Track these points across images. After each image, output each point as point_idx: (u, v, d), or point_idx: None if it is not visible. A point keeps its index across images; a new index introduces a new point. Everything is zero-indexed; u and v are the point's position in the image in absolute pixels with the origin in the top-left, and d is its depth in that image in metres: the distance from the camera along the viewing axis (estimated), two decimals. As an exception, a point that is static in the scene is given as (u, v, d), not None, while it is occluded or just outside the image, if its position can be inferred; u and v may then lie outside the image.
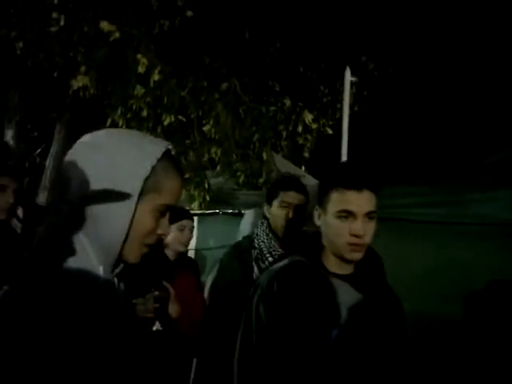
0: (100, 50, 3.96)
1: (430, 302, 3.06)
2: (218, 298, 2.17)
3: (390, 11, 5.95)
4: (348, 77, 4.59)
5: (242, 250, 2.17)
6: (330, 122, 6.06)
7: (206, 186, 5.19)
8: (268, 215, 2.14)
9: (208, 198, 5.15)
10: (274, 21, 5.48)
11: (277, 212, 2.08)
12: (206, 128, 5.07)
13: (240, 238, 2.53)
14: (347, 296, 1.30)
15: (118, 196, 0.93)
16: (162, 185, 0.97)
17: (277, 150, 6.12)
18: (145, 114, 4.19)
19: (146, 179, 0.94)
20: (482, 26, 5.69)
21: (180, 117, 4.61)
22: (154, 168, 0.95)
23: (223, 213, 5.60)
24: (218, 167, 5.67)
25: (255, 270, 2.06)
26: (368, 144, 5.81)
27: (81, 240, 0.93)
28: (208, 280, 2.66)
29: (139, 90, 4.02)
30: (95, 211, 0.93)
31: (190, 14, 4.26)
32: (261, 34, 5.56)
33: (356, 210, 1.27)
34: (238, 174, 5.51)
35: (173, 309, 2.08)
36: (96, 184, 0.93)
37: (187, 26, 4.52)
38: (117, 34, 3.76)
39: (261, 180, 5.52)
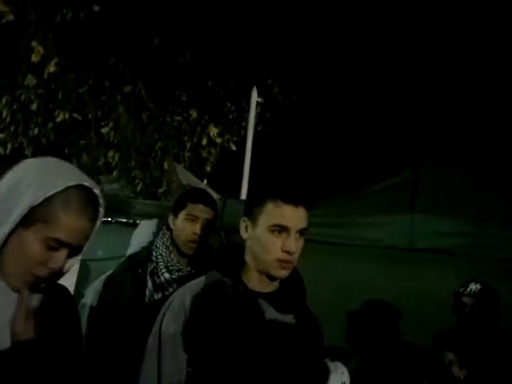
0: (-12, 31, 3.56)
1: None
2: (102, 312, 1.99)
3: (299, 44, 6.27)
4: (255, 96, 4.73)
5: (138, 262, 2.02)
6: (235, 138, 6.13)
7: (99, 191, 4.87)
8: (172, 226, 2.00)
9: (100, 205, 4.85)
10: (185, 31, 5.43)
11: (182, 224, 1.94)
12: (104, 130, 4.80)
13: (131, 251, 2.37)
14: (266, 316, 1.23)
15: (2, 213, 0.95)
16: (55, 218, 0.96)
17: (179, 160, 6.01)
18: (34, 107, 3.82)
19: (35, 207, 0.95)
20: (386, 60, 6.24)
21: (75, 115, 4.30)
22: (48, 199, 0.95)
23: (115, 222, 5.31)
24: (115, 173, 5.39)
25: (149, 284, 1.90)
26: (269, 163, 5.98)
27: None
28: (89, 291, 2.43)
29: (30, 79, 3.65)
30: None
31: (96, 8, 4.02)
32: (171, 41, 5.47)
33: (291, 226, 1.22)
34: (136, 181, 5.29)
35: None
36: None
37: (93, 21, 4.27)
38: (10, 17, 3.40)
39: (160, 190, 5.36)
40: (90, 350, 1.87)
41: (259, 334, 1.21)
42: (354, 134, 6.58)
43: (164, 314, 1.26)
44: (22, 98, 3.81)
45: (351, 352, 2.83)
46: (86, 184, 0.99)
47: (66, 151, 5.31)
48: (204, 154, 5.61)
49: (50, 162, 1.05)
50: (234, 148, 5.83)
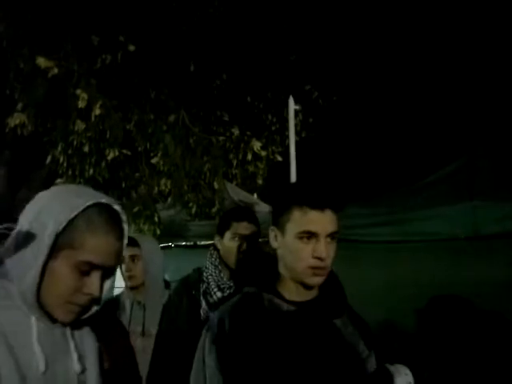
0: (38, 87, 3.85)
1: (383, 319, 3.09)
2: (164, 342, 2.04)
3: (330, 43, 6.23)
4: (292, 105, 4.72)
5: (191, 284, 2.07)
6: (280, 149, 6.16)
7: (156, 219, 5.07)
8: (219, 246, 2.05)
9: (159, 232, 5.03)
10: (218, 53, 5.57)
11: (230, 244, 1.98)
12: (154, 160, 5.00)
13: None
14: (308, 325, 1.20)
15: (31, 248, 0.92)
16: (82, 240, 0.92)
17: (229, 178, 6.12)
18: (86, 149, 4.08)
19: (60, 234, 0.91)
20: (413, 56, 6.06)
21: (125, 151, 4.53)
22: (70, 222, 0.92)
23: (175, 245, 5.48)
24: (169, 199, 5.58)
25: (203, 304, 1.95)
26: (316, 169, 5.95)
27: (9, 286, 0.94)
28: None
29: (80, 124, 3.91)
30: (16, 260, 0.93)
31: (132, 48, 4.24)
32: (206, 66, 5.63)
33: (319, 231, 1.19)
34: (190, 204, 5.44)
35: None
36: (21, 236, 0.94)
37: (130, 60, 4.50)
38: (55, 70, 3.67)
39: (213, 209, 5.47)
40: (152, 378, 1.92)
41: (303, 345, 1.17)
42: (402, 127, 6.41)
43: (205, 337, 1.25)
44: (75, 142, 4.09)
45: (425, 350, 2.73)
46: (104, 201, 0.96)
47: (123, 185, 5.58)
48: (251, 169, 5.67)
49: (63, 188, 1.05)
50: (279, 159, 5.86)
